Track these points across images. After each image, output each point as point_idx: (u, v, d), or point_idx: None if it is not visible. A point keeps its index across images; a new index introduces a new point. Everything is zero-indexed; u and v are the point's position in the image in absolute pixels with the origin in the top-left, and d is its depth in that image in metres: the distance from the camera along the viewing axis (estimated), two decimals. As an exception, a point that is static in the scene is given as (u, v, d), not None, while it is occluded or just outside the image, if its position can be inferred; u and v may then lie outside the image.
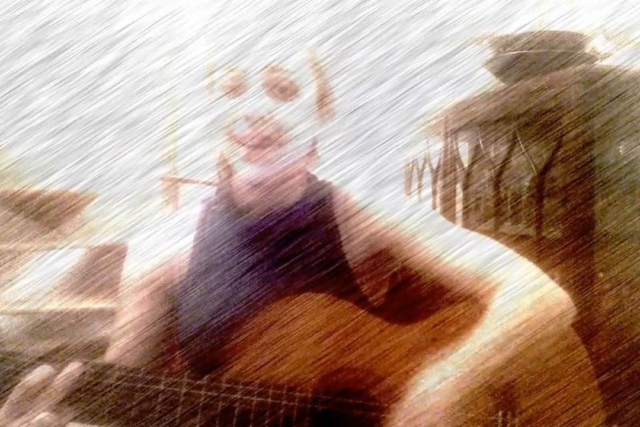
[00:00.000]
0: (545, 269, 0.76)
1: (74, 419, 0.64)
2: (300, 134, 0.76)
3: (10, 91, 2.30)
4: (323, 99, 0.80)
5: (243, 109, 0.73)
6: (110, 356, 0.81)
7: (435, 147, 1.70)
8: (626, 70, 1.08)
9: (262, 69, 0.74)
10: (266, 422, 0.66)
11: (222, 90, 0.76)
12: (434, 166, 1.72)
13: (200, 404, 0.66)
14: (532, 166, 1.21)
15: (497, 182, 1.34)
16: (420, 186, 1.85)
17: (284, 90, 0.75)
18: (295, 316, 0.72)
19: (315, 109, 0.79)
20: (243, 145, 0.74)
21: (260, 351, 0.70)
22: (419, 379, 0.65)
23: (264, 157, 0.74)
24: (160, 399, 0.65)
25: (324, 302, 0.73)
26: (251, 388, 0.67)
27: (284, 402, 0.67)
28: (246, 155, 0.74)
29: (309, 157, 0.82)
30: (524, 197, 1.33)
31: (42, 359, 0.65)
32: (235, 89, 0.75)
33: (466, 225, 1.48)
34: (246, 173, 0.75)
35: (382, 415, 0.69)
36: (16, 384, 0.62)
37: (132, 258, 0.85)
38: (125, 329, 0.82)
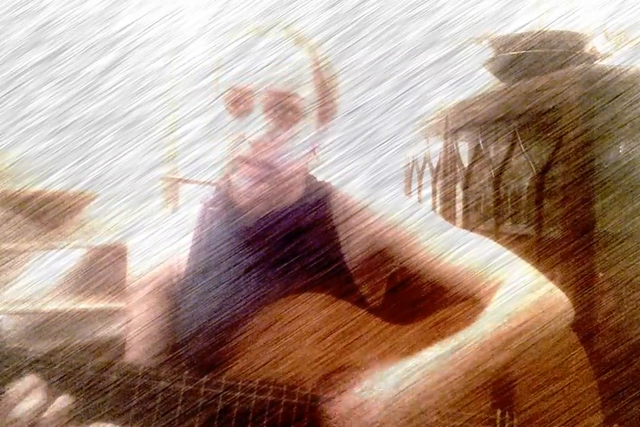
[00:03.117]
0: (545, 269, 0.76)
1: (75, 418, 0.65)
2: (300, 135, 0.76)
3: (10, 91, 2.29)
4: (323, 99, 0.80)
5: (246, 132, 0.73)
6: (113, 353, 0.81)
7: (435, 147, 1.70)
8: (626, 70, 1.08)
9: (268, 93, 0.73)
10: (265, 421, 0.66)
11: (225, 106, 0.76)
12: (434, 166, 1.72)
13: (200, 404, 0.66)
14: (532, 166, 1.21)
15: (497, 182, 1.34)
16: (420, 186, 1.85)
17: (286, 114, 0.74)
18: (295, 316, 0.72)
19: (314, 109, 0.79)
20: (243, 161, 0.74)
21: (259, 351, 0.70)
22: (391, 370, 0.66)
23: (263, 160, 0.74)
24: (159, 399, 0.65)
25: (324, 302, 0.73)
26: (250, 387, 0.67)
27: (283, 401, 0.67)
28: (245, 166, 0.75)
29: (308, 158, 0.81)
30: (524, 197, 1.33)
31: (42, 359, 0.65)
32: (239, 107, 0.75)
33: (466, 225, 1.48)
34: (245, 174, 0.75)
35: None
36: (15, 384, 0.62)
37: (133, 258, 0.86)
38: (124, 328, 0.83)
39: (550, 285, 0.74)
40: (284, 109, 0.74)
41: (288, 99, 0.74)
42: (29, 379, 0.63)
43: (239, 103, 0.74)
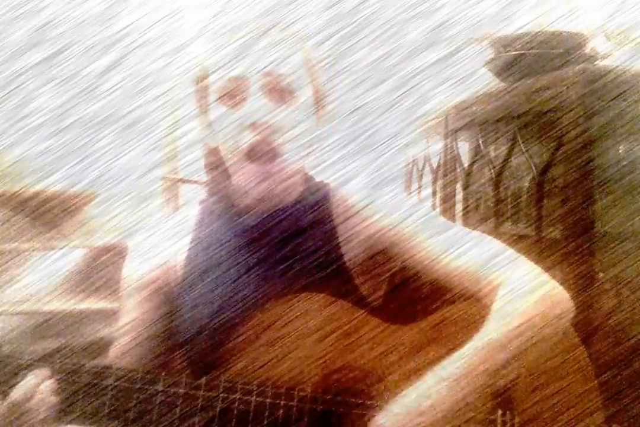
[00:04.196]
0: (546, 269, 0.76)
1: (73, 420, 0.65)
2: (298, 136, 0.76)
3: (10, 91, 2.30)
4: (321, 100, 0.80)
5: (244, 121, 0.73)
6: (111, 355, 0.81)
7: (435, 147, 1.70)
8: (626, 70, 1.08)
9: (260, 76, 0.73)
10: (265, 422, 0.66)
11: (219, 98, 0.76)
12: (434, 166, 1.72)
13: (199, 405, 0.66)
14: (532, 166, 1.21)
15: (497, 182, 1.34)
16: (420, 186, 1.85)
17: (281, 94, 0.75)
18: (295, 316, 0.72)
19: (313, 111, 0.79)
20: (242, 155, 0.74)
21: (259, 351, 0.70)
22: (418, 379, 0.65)
23: (261, 161, 0.74)
24: (158, 400, 0.65)
25: (324, 302, 0.73)
26: (250, 388, 0.67)
27: (282, 402, 0.67)
28: (244, 162, 0.74)
29: (306, 158, 0.81)
30: (524, 197, 1.33)
31: (41, 359, 0.65)
32: (234, 98, 0.75)
33: (466, 225, 1.48)
34: (244, 175, 0.75)
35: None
36: (16, 384, 0.63)
37: (132, 259, 0.85)
38: (124, 329, 0.82)
39: (553, 283, 0.74)
40: (277, 88, 0.75)
41: (280, 78, 0.74)
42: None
43: (235, 92, 0.75)
